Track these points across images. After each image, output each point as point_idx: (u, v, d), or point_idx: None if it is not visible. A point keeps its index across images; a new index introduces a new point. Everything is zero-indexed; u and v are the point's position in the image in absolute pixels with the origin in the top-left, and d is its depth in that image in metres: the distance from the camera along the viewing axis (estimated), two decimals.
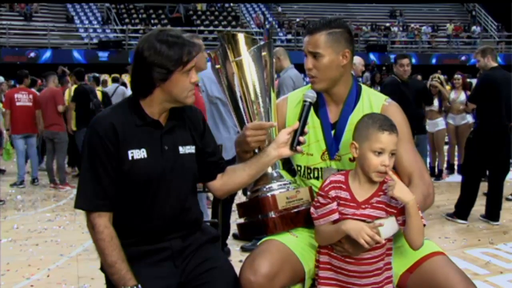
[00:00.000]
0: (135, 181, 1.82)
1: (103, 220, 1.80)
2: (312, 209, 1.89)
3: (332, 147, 2.04)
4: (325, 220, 1.85)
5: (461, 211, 5.37)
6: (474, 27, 27.45)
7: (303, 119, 1.93)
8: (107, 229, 1.80)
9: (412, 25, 27.38)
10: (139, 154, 1.82)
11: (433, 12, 29.89)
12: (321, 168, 2.07)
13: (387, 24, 27.63)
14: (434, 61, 23.69)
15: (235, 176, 1.99)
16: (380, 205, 1.82)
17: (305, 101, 1.96)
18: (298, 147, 1.93)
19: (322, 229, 1.86)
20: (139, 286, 1.76)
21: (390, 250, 1.89)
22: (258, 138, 1.94)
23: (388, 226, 1.81)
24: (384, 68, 16.97)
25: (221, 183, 2.03)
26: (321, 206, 1.85)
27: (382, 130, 1.78)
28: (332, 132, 2.05)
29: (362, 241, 1.72)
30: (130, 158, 1.81)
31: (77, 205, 1.84)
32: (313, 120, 2.07)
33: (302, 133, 1.93)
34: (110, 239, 1.79)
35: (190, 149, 1.93)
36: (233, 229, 4.37)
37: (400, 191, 1.74)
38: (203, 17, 25.98)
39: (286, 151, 1.93)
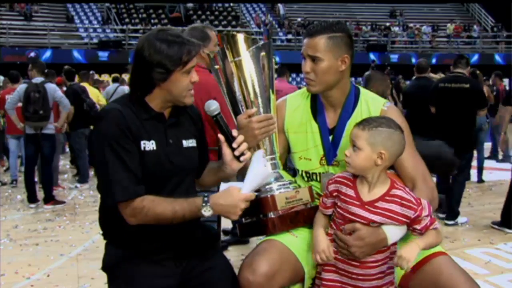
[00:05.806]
0: (144, 173, 1.79)
1: (143, 200, 1.75)
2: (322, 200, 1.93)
3: (330, 152, 2.03)
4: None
5: (509, 219, 4.92)
6: (474, 27, 27.46)
7: (224, 132, 1.89)
8: (145, 200, 1.75)
9: (412, 25, 27.36)
10: (149, 146, 1.81)
11: (433, 12, 29.88)
12: (319, 173, 2.06)
13: (387, 24, 27.62)
14: (434, 60, 23.62)
15: (205, 179, 2.06)
16: (388, 213, 1.78)
17: (213, 117, 1.90)
18: (242, 157, 1.89)
19: (314, 219, 1.94)
20: (205, 194, 1.76)
21: (393, 254, 1.87)
22: (266, 129, 1.93)
23: (397, 232, 1.81)
24: (388, 68, 16.79)
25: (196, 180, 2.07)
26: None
27: (357, 125, 1.81)
28: (330, 137, 2.04)
29: (315, 256, 1.82)
30: (142, 148, 1.80)
31: (118, 199, 1.74)
32: (312, 125, 2.07)
33: (231, 143, 1.88)
34: (152, 202, 1.75)
35: (192, 143, 1.95)
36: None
37: (410, 256, 1.74)
38: (203, 16, 25.97)
39: (237, 165, 1.91)
